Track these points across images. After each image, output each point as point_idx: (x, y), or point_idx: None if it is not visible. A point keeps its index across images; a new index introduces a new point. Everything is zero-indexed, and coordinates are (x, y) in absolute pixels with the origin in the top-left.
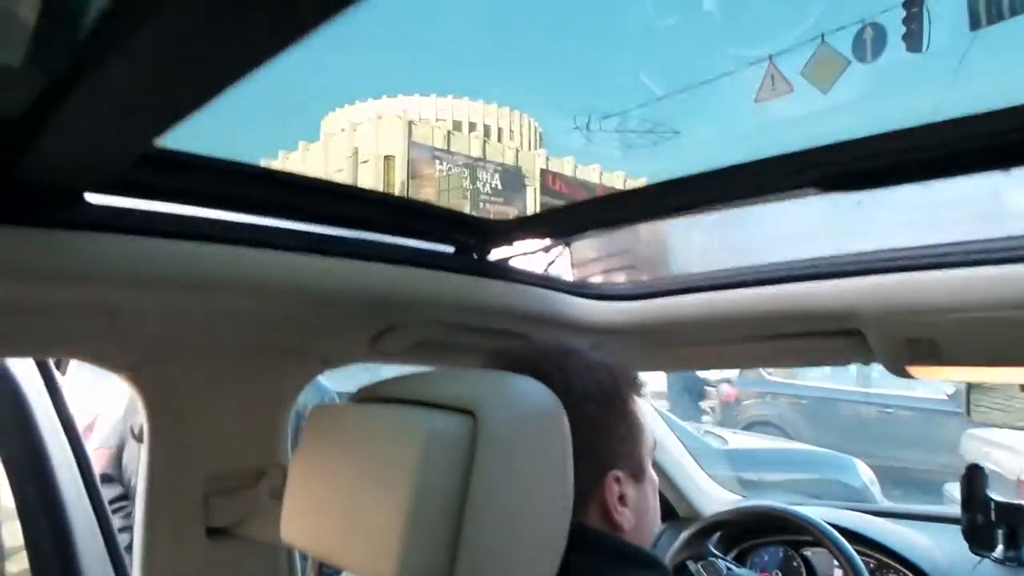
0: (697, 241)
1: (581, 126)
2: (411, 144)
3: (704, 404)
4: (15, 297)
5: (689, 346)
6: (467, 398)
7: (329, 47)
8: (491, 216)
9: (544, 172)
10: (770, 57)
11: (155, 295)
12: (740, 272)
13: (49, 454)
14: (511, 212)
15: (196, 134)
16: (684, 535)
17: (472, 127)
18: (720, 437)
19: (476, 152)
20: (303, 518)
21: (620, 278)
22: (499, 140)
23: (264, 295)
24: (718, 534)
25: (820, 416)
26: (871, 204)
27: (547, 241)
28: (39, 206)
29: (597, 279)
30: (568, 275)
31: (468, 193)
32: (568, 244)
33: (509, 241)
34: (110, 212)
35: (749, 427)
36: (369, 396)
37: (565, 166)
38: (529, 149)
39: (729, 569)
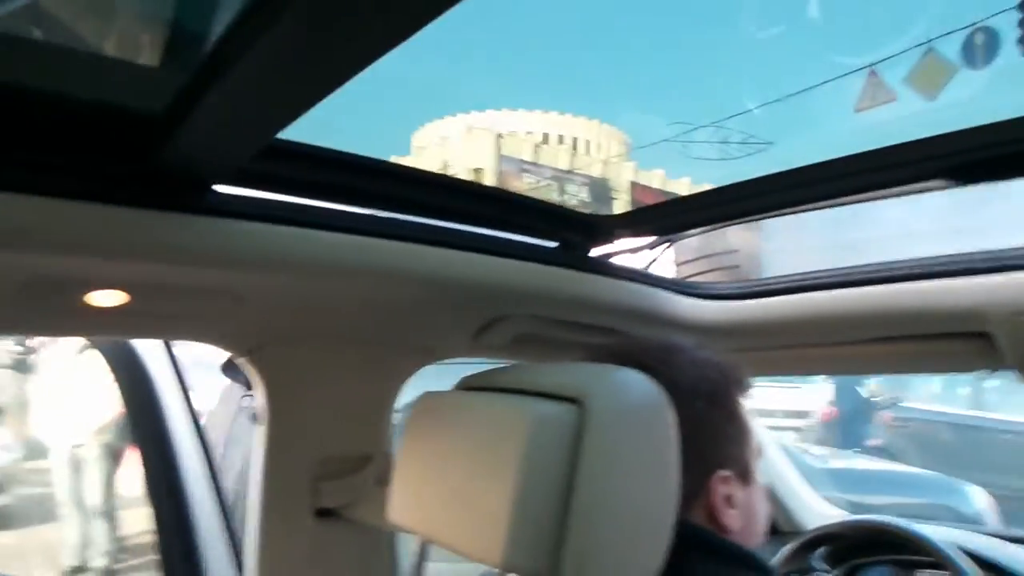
0: (807, 242)
1: (671, 138)
2: (500, 157)
3: (801, 423)
4: (150, 279)
5: (796, 349)
6: (574, 387)
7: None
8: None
9: (633, 185)
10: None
11: (277, 280)
12: (854, 271)
13: (173, 433)
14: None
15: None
16: (788, 547)
17: (560, 140)
18: (819, 456)
19: (564, 164)
20: (410, 500)
21: (724, 279)
22: (587, 152)
23: (377, 282)
24: (823, 549)
25: (928, 439)
26: (996, 199)
27: (650, 239)
28: (174, 194)
29: (700, 279)
30: (671, 274)
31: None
32: (672, 243)
33: (612, 238)
34: (237, 200)
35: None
36: (475, 385)
37: (654, 179)
38: (617, 162)
39: None
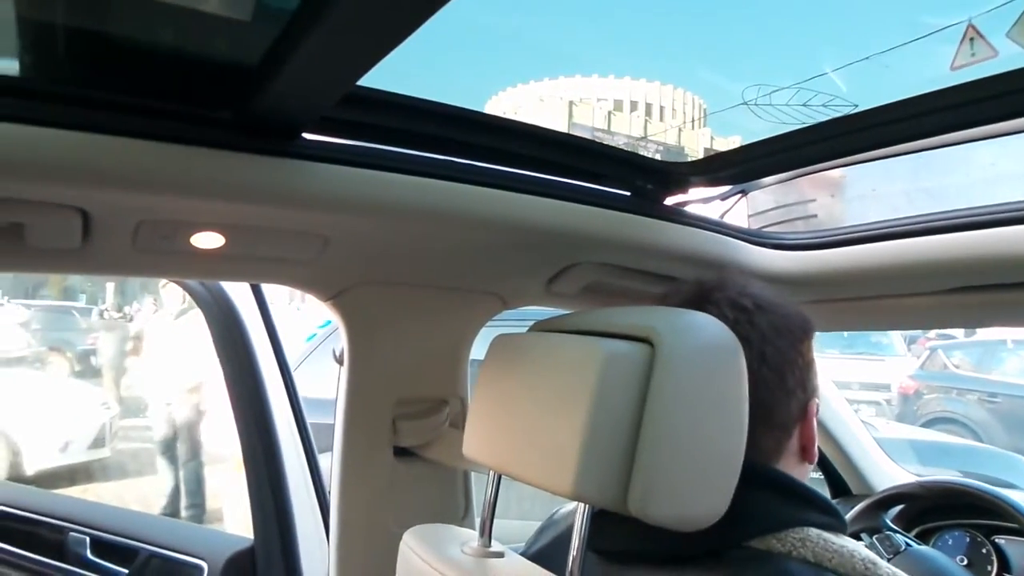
0: (886, 191)
1: (749, 101)
2: (572, 125)
3: (880, 396)
4: (245, 221)
5: (876, 299)
6: (645, 328)
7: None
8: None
9: (708, 151)
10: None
11: (360, 223)
12: (938, 217)
13: (261, 374)
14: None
15: None
16: (860, 505)
17: (634, 106)
18: (869, 424)
19: (637, 132)
20: (485, 436)
21: (799, 229)
22: (661, 119)
23: (455, 226)
24: (897, 509)
25: (1019, 417)
26: None
27: (724, 188)
28: (267, 139)
29: (777, 230)
30: (744, 224)
31: None
32: (746, 193)
33: (686, 187)
34: (325, 146)
35: (930, 424)
36: (546, 327)
37: (730, 145)
38: (692, 128)
39: (908, 545)
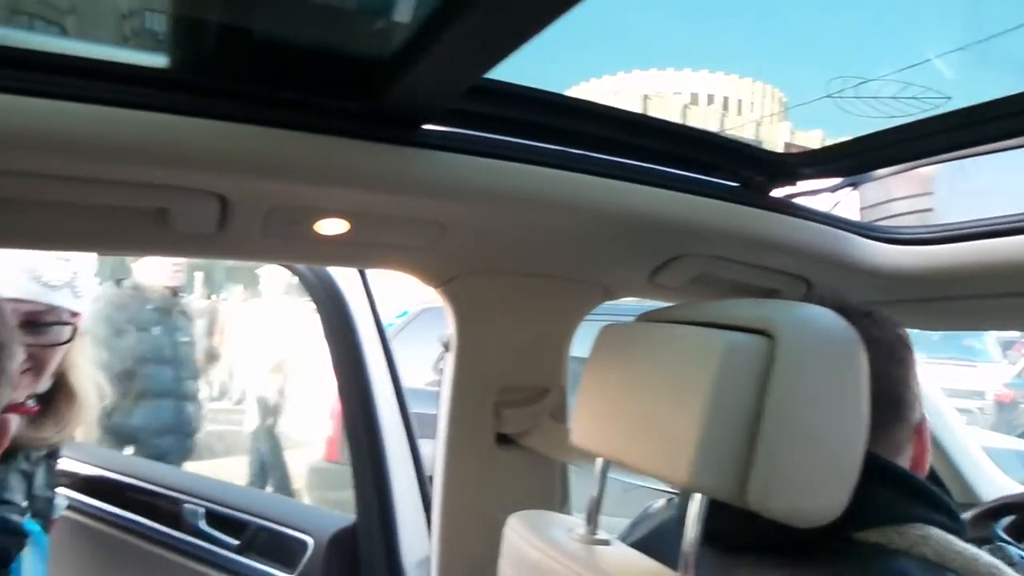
0: (1012, 182)
1: (832, 93)
2: None
3: (973, 405)
4: (368, 208)
5: (990, 298)
6: (765, 320)
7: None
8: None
9: (788, 146)
10: None
11: (476, 211)
12: None
13: (366, 358)
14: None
15: None
16: (969, 514)
17: (710, 100)
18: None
19: (714, 126)
20: (594, 425)
21: (914, 223)
22: (739, 113)
23: (564, 215)
24: (1009, 519)
25: None
26: None
27: (834, 181)
28: (392, 129)
29: (887, 224)
30: (856, 217)
31: None
32: (856, 185)
33: (796, 178)
34: (446, 135)
35: None
36: (656, 318)
37: (812, 140)
38: (772, 122)
39: (1022, 558)
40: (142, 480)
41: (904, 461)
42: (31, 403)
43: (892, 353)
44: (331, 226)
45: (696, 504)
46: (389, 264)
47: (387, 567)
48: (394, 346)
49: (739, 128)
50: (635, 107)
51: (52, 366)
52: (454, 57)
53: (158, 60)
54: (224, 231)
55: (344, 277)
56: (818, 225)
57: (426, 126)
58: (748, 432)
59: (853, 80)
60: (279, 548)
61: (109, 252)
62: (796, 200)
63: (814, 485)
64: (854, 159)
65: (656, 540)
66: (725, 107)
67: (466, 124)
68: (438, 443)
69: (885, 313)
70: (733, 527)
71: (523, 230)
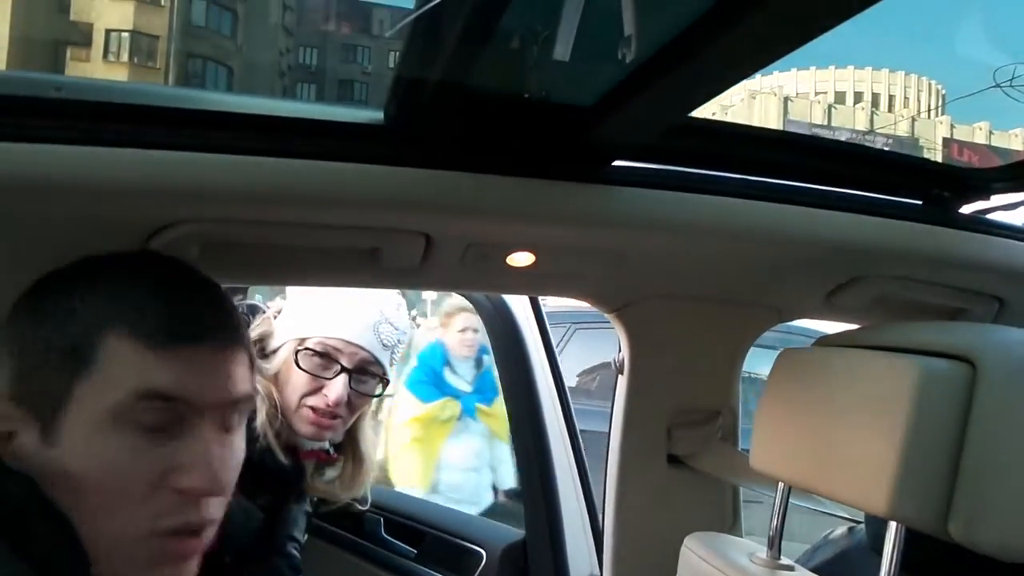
0: None
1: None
2: (787, 122)
3: None
4: (553, 242)
5: None
6: (965, 346)
7: None
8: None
9: (947, 141)
10: None
11: (655, 241)
12: None
13: (536, 379)
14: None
15: None
16: None
17: (858, 98)
18: None
19: (861, 125)
20: (776, 449)
21: None
22: (890, 109)
23: (740, 242)
24: None
25: None
26: None
27: None
28: (582, 167)
29: None
30: None
31: None
32: None
33: (988, 194)
34: (630, 170)
35: None
36: (839, 343)
37: (976, 133)
38: (928, 116)
39: None
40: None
41: None
42: (331, 451)
43: None
44: (519, 259)
45: (893, 533)
46: (568, 292)
47: None
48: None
49: (891, 126)
50: (776, 109)
51: (354, 418)
52: (657, 103)
53: (375, 116)
54: (426, 265)
55: (515, 301)
56: (1011, 241)
57: (616, 162)
58: (949, 462)
59: None
60: (454, 558)
61: (326, 285)
62: (990, 216)
63: (1021, 518)
64: None
65: (839, 567)
66: (875, 104)
67: (649, 157)
68: (610, 463)
69: None
70: (936, 559)
71: (699, 258)
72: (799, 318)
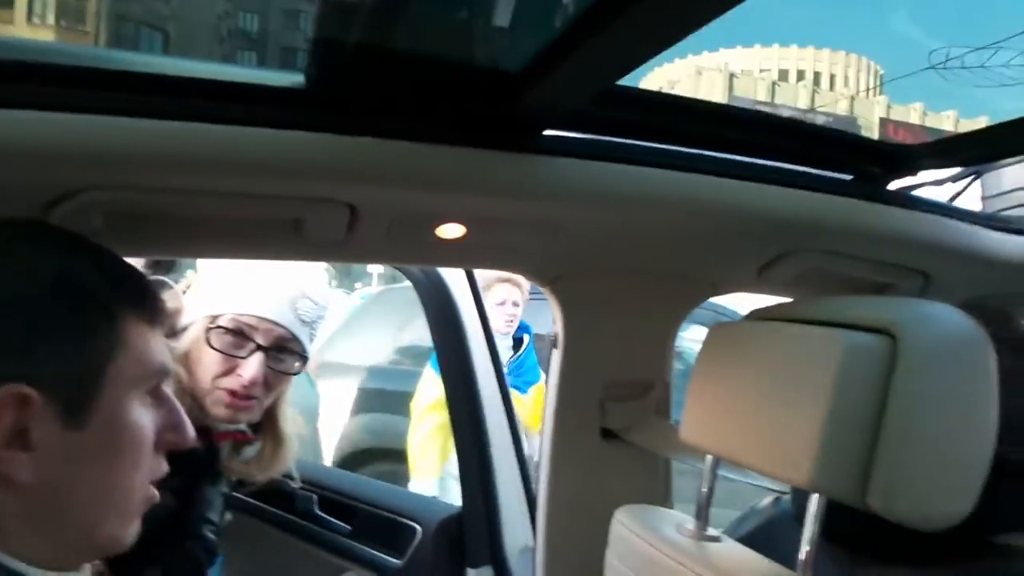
0: None
1: (935, 64)
2: (732, 98)
3: None
4: (484, 213)
5: None
6: (886, 319)
7: None
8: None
9: (884, 121)
10: None
11: (589, 212)
12: None
13: (471, 352)
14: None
15: None
16: None
17: (800, 76)
18: None
19: (804, 103)
20: (705, 422)
21: None
22: (831, 88)
23: (674, 214)
24: None
25: None
26: None
27: (955, 171)
28: (511, 136)
29: (1012, 214)
30: (978, 208)
31: None
32: (979, 175)
33: (914, 170)
34: (561, 140)
35: None
36: (768, 316)
37: (911, 114)
38: (867, 96)
39: None
40: (294, 478)
41: None
42: (248, 431)
43: None
44: (450, 231)
45: (814, 504)
46: (501, 264)
47: (490, 554)
48: (357, 326)
49: (832, 104)
50: (721, 86)
51: (272, 397)
52: (587, 68)
53: (294, 78)
54: (351, 237)
55: (451, 275)
56: (937, 217)
57: (546, 132)
58: (870, 434)
59: (960, 48)
60: (389, 534)
61: (245, 258)
62: (916, 192)
63: (938, 489)
64: (977, 150)
65: (765, 537)
66: (816, 83)
67: (581, 127)
68: (543, 438)
69: None
70: (857, 528)
71: (634, 230)
72: (732, 291)
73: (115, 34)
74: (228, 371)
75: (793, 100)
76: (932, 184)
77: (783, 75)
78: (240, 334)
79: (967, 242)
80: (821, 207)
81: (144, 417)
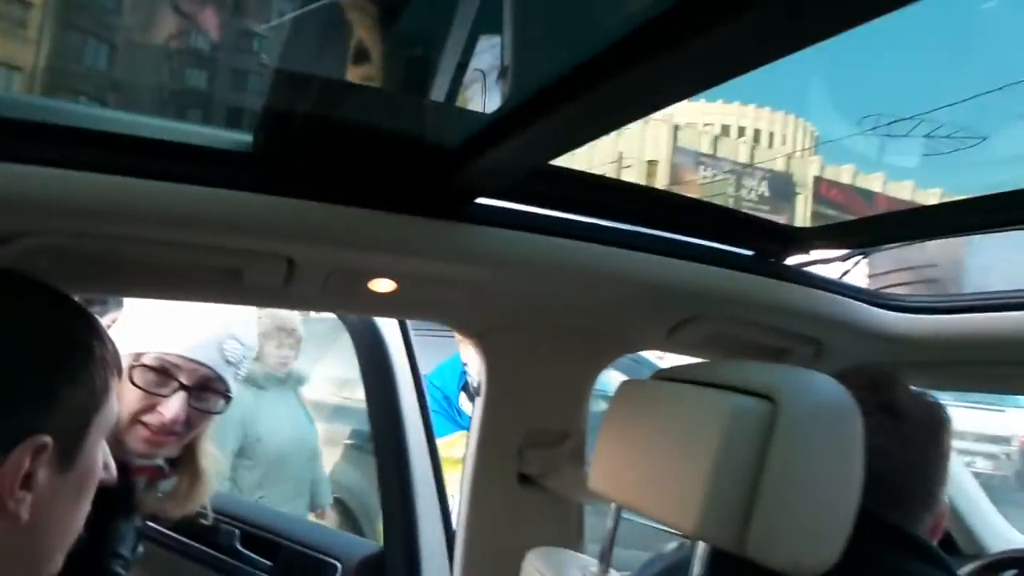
0: (1012, 258)
1: (865, 131)
2: (676, 149)
3: (998, 450)
4: (415, 272)
5: (992, 365)
6: (769, 385)
7: None
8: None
9: (818, 180)
10: None
11: (513, 276)
12: None
13: (400, 395)
14: (782, 221)
15: None
16: (971, 566)
17: (741, 132)
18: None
19: (743, 158)
20: (610, 472)
21: (920, 292)
22: (770, 146)
23: (589, 281)
24: (1012, 573)
25: None
26: None
27: (845, 251)
28: (443, 205)
29: (896, 292)
30: (864, 284)
31: (731, 200)
32: (866, 255)
33: (807, 249)
34: (490, 210)
35: None
36: (671, 376)
37: (843, 174)
38: (802, 156)
39: None
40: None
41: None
42: (165, 467)
43: (928, 434)
44: (381, 285)
45: (700, 549)
46: (430, 316)
47: None
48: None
49: (770, 161)
50: (665, 137)
51: (194, 435)
52: (524, 148)
53: (243, 139)
54: (289, 286)
55: (384, 321)
56: (827, 293)
57: (479, 200)
58: (750, 488)
59: (886, 118)
60: (309, 571)
61: (186, 300)
62: (809, 268)
63: (809, 538)
64: (864, 235)
65: None
66: (756, 140)
67: (510, 197)
68: (463, 481)
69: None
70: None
71: (555, 293)
72: (645, 349)
73: (59, 44)
74: (149, 408)
75: (734, 154)
76: (824, 261)
77: (725, 130)
78: (164, 372)
79: (854, 316)
80: (723, 279)
81: (100, 460)
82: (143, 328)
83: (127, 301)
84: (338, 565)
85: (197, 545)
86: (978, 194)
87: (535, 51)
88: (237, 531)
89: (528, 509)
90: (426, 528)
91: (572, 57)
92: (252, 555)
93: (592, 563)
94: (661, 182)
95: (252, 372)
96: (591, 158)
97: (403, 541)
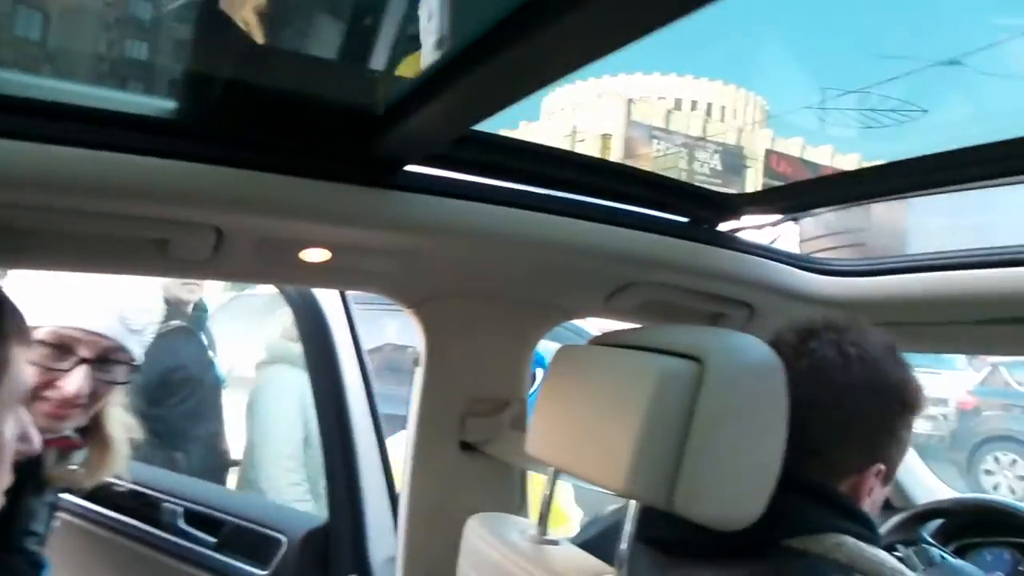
0: (934, 223)
1: (813, 104)
2: (629, 123)
3: (936, 411)
4: (349, 241)
5: (918, 326)
6: (696, 347)
7: None
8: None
9: (768, 153)
10: None
11: (448, 244)
12: (979, 252)
13: (342, 367)
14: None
15: None
16: (897, 518)
17: (694, 105)
18: None
19: (696, 131)
20: (547, 437)
21: (848, 256)
22: (722, 119)
23: (525, 249)
24: (936, 523)
25: None
26: None
27: (777, 216)
28: (375, 173)
29: (825, 256)
30: (795, 250)
31: (683, 173)
32: (797, 220)
33: (739, 215)
34: (422, 178)
35: (987, 441)
36: (606, 341)
37: (792, 147)
38: (753, 129)
39: (943, 558)
40: (123, 479)
41: (844, 484)
42: (75, 437)
43: (839, 402)
44: (315, 255)
45: (632, 509)
46: (366, 287)
47: (356, 565)
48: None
49: (722, 134)
50: (619, 111)
51: (100, 405)
52: (448, 112)
53: (167, 105)
54: (218, 257)
55: (323, 292)
56: (758, 258)
57: (407, 167)
58: (677, 446)
59: (834, 92)
60: (254, 546)
61: (111, 273)
62: (741, 233)
63: (732, 494)
64: (793, 200)
65: (601, 541)
66: (708, 113)
67: (441, 165)
68: (406, 451)
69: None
70: (670, 533)
71: (489, 261)
72: (583, 316)
73: None
74: (49, 383)
75: (686, 128)
76: (756, 227)
77: (678, 104)
78: (61, 347)
79: (785, 280)
80: (657, 246)
81: (11, 431)
82: (37, 301)
83: (12, 275)
84: (283, 538)
85: (139, 524)
86: (910, 156)
87: (458, 15)
88: (181, 509)
89: (470, 476)
90: (371, 498)
91: (489, 19)
92: (196, 532)
93: (531, 527)
94: (616, 155)
95: (292, 351)
96: (546, 131)
97: (348, 512)
